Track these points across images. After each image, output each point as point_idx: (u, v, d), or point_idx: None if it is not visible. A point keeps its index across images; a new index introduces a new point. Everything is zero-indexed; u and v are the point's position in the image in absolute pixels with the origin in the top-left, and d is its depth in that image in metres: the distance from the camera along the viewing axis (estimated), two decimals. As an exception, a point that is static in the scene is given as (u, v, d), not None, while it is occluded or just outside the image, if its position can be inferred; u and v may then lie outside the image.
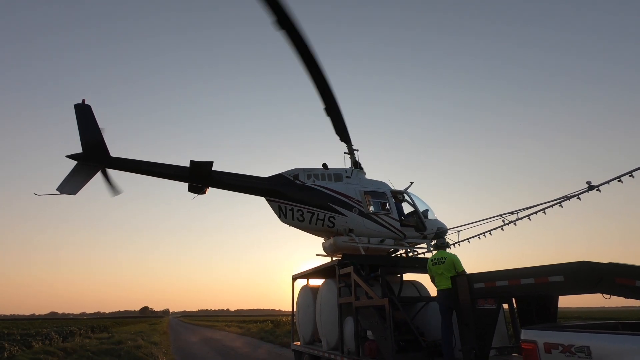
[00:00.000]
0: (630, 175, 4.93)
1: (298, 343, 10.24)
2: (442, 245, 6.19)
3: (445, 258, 5.77)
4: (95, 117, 5.04)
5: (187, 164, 5.31)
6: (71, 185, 4.81)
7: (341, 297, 7.68)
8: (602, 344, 3.23)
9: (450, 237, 8.39)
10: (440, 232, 6.48)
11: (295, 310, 10.72)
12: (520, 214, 6.21)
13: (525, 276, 4.71)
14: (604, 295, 4.03)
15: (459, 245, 7.92)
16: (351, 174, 6.59)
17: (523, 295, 5.33)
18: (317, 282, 10.27)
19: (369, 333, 6.74)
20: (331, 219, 5.49)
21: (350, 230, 6.17)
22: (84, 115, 4.81)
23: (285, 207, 5.56)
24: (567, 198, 5.45)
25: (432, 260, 5.79)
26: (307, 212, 5.64)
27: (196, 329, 42.70)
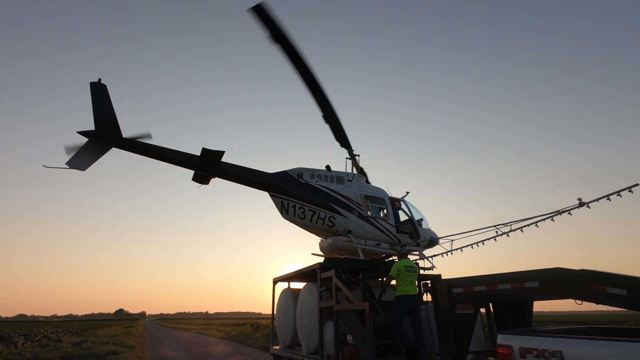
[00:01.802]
0: (618, 195, 5.28)
1: (277, 347, 10.13)
2: (406, 254, 6.45)
3: (415, 267, 6.09)
4: (111, 97, 5.13)
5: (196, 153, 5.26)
6: (81, 161, 4.99)
7: (322, 300, 7.65)
8: (574, 349, 3.33)
9: (443, 246, 8.63)
10: (402, 246, 6.66)
11: (275, 313, 10.61)
12: (514, 226, 6.46)
13: (502, 282, 4.82)
14: (577, 300, 4.15)
15: (451, 253, 8.20)
16: (352, 178, 6.85)
17: (500, 300, 5.45)
18: (298, 285, 10.22)
19: (349, 337, 6.72)
20: (331, 219, 5.77)
21: (349, 232, 6.37)
22: (99, 93, 5.01)
23: (288, 203, 5.82)
24: (559, 213, 5.75)
25: (405, 267, 5.93)
26: (309, 210, 5.90)
27: (174, 333, 41.69)
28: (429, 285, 6.12)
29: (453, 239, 7.79)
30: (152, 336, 34.81)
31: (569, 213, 5.60)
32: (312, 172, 6.18)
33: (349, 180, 6.49)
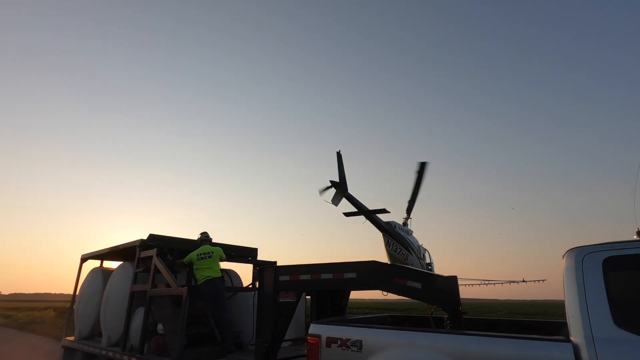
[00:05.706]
0: (536, 282, 7.69)
1: (72, 338, 8.29)
2: (206, 240, 6.71)
3: (212, 252, 6.41)
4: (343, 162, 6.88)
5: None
6: (335, 199, 6.54)
7: (136, 283, 6.53)
8: (371, 338, 3.50)
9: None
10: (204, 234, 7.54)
11: (77, 297, 8.68)
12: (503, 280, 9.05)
13: (326, 271, 4.90)
14: (383, 292, 4.52)
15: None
16: (411, 232, 8.46)
17: (322, 289, 5.59)
18: (114, 265, 8.61)
19: (160, 326, 5.86)
20: (407, 256, 7.48)
21: (412, 265, 7.54)
22: (340, 159, 6.77)
23: (391, 241, 6.83)
24: (525, 281, 8.23)
25: (198, 255, 6.37)
26: (398, 248, 7.06)
27: None
28: (258, 272, 5.86)
29: (466, 284, 10.19)
30: None
31: (534, 282, 8.34)
32: (399, 225, 8.20)
33: (410, 233, 8.62)
